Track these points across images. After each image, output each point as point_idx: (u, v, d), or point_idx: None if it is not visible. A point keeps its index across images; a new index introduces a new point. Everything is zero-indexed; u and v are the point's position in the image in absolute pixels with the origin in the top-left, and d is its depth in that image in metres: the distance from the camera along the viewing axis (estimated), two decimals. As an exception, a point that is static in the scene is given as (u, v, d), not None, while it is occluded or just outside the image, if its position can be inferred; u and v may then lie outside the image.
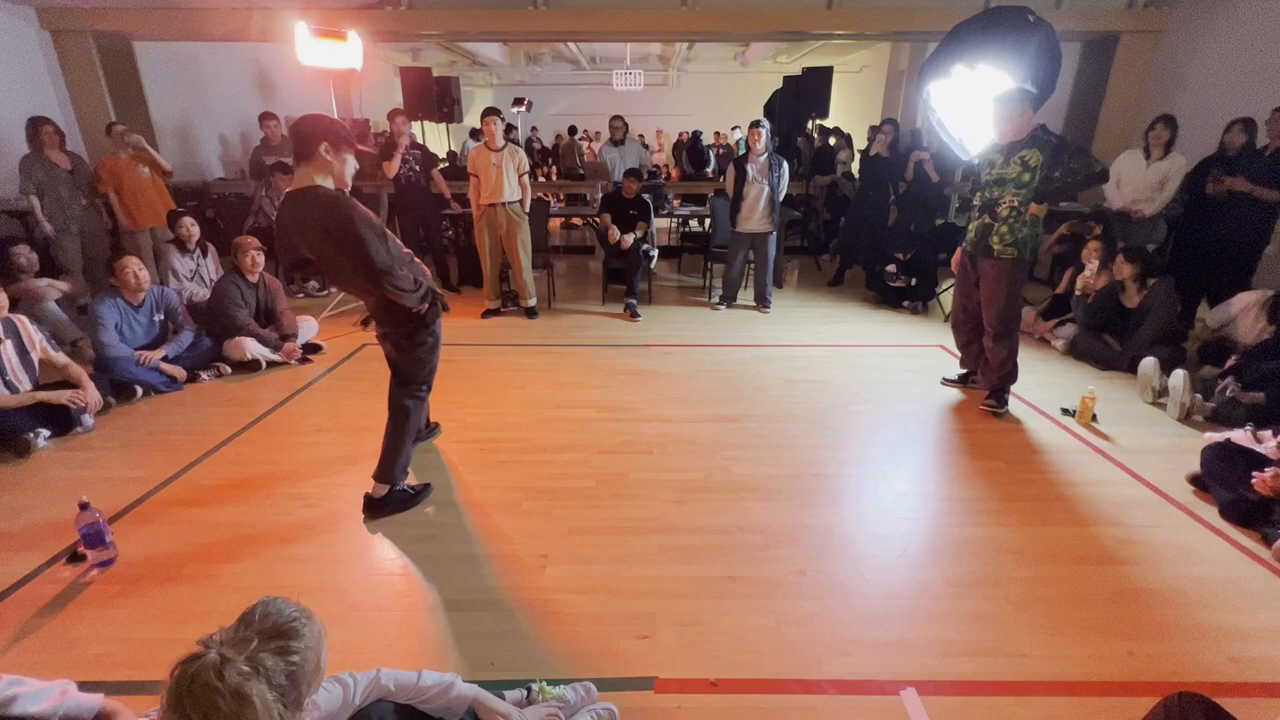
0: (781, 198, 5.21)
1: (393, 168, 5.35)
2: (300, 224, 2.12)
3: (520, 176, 4.84)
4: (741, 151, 5.44)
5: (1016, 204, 3.20)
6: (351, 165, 2.21)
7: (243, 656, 0.93)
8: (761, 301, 5.47)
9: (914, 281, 5.35)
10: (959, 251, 3.56)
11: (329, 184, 2.14)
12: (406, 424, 2.49)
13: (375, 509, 2.51)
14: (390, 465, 2.50)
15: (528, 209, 4.99)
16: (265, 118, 6.44)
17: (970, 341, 3.67)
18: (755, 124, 5.10)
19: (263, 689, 0.92)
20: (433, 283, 2.41)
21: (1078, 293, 4.34)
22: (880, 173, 6.14)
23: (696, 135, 11.44)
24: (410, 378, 2.49)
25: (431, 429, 3.16)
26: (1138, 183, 4.79)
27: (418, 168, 5.58)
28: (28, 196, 4.66)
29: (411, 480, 2.67)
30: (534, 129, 14.52)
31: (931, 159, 6.05)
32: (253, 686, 0.91)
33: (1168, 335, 3.91)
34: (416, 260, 2.38)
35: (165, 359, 3.71)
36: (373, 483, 2.52)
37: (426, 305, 2.35)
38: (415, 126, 6.50)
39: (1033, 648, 1.87)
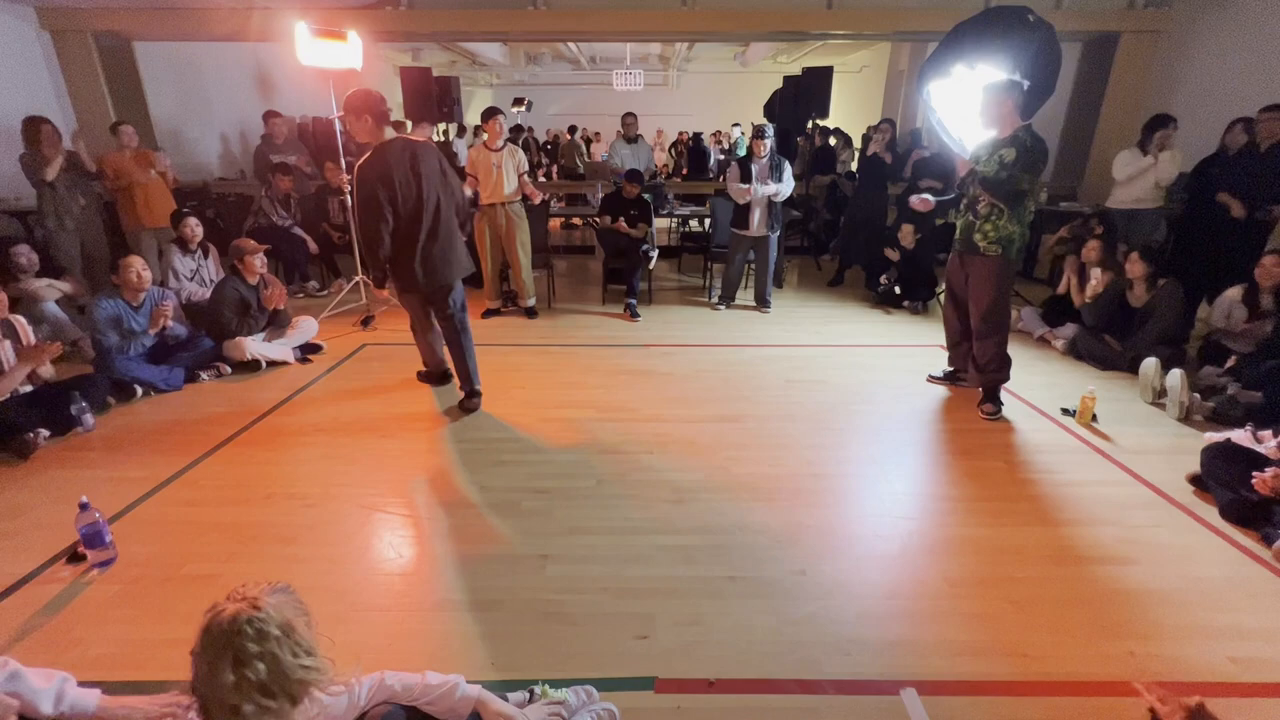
0: (785, 197, 5.19)
1: None
2: (427, 166, 3.04)
3: (520, 176, 4.84)
4: (741, 153, 5.43)
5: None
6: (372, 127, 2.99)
7: (264, 599, 1.06)
8: (761, 302, 5.46)
9: (898, 289, 5.37)
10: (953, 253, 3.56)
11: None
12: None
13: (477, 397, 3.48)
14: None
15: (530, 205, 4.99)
16: (270, 115, 6.43)
17: (959, 342, 3.69)
18: (760, 134, 5.08)
19: (281, 620, 1.05)
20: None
21: (1087, 298, 4.32)
22: (878, 172, 6.14)
23: (696, 137, 11.43)
24: None
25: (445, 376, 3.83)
26: (1138, 181, 4.79)
27: None
28: (36, 184, 4.62)
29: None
30: (530, 128, 14.45)
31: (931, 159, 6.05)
32: (271, 621, 1.04)
33: (1170, 336, 3.90)
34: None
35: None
36: (464, 394, 3.49)
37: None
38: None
39: (1033, 648, 1.87)
